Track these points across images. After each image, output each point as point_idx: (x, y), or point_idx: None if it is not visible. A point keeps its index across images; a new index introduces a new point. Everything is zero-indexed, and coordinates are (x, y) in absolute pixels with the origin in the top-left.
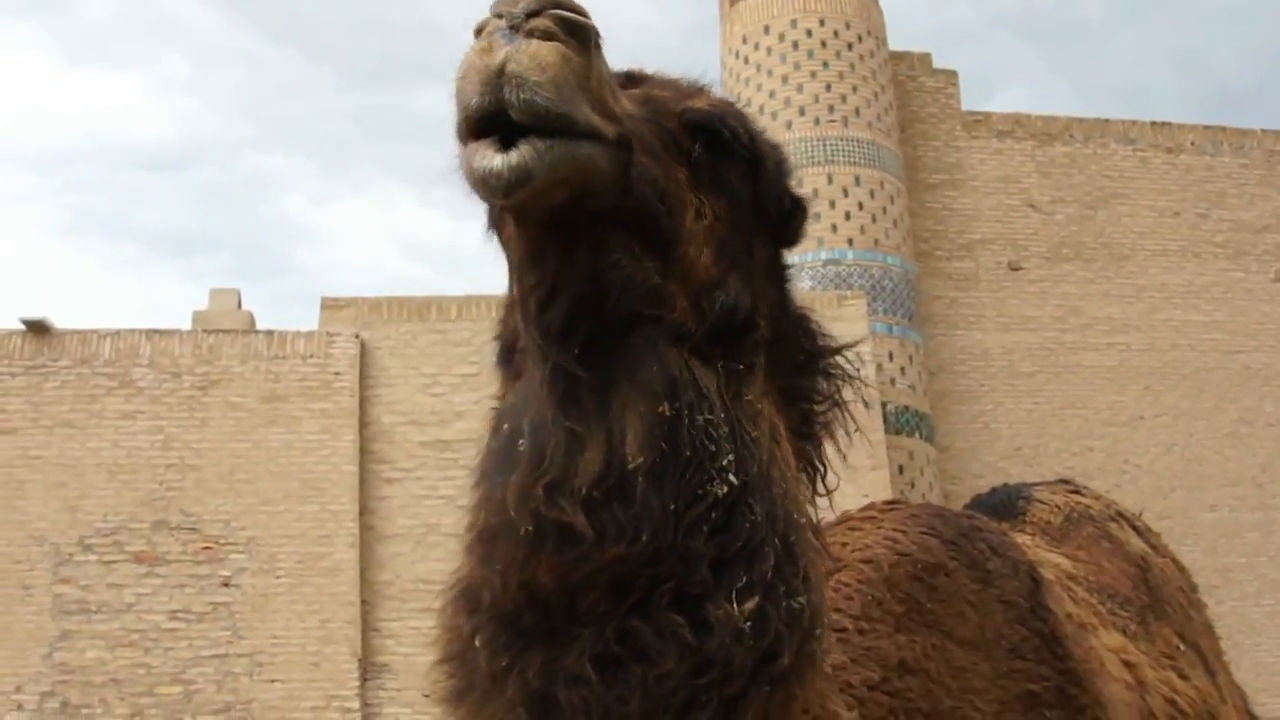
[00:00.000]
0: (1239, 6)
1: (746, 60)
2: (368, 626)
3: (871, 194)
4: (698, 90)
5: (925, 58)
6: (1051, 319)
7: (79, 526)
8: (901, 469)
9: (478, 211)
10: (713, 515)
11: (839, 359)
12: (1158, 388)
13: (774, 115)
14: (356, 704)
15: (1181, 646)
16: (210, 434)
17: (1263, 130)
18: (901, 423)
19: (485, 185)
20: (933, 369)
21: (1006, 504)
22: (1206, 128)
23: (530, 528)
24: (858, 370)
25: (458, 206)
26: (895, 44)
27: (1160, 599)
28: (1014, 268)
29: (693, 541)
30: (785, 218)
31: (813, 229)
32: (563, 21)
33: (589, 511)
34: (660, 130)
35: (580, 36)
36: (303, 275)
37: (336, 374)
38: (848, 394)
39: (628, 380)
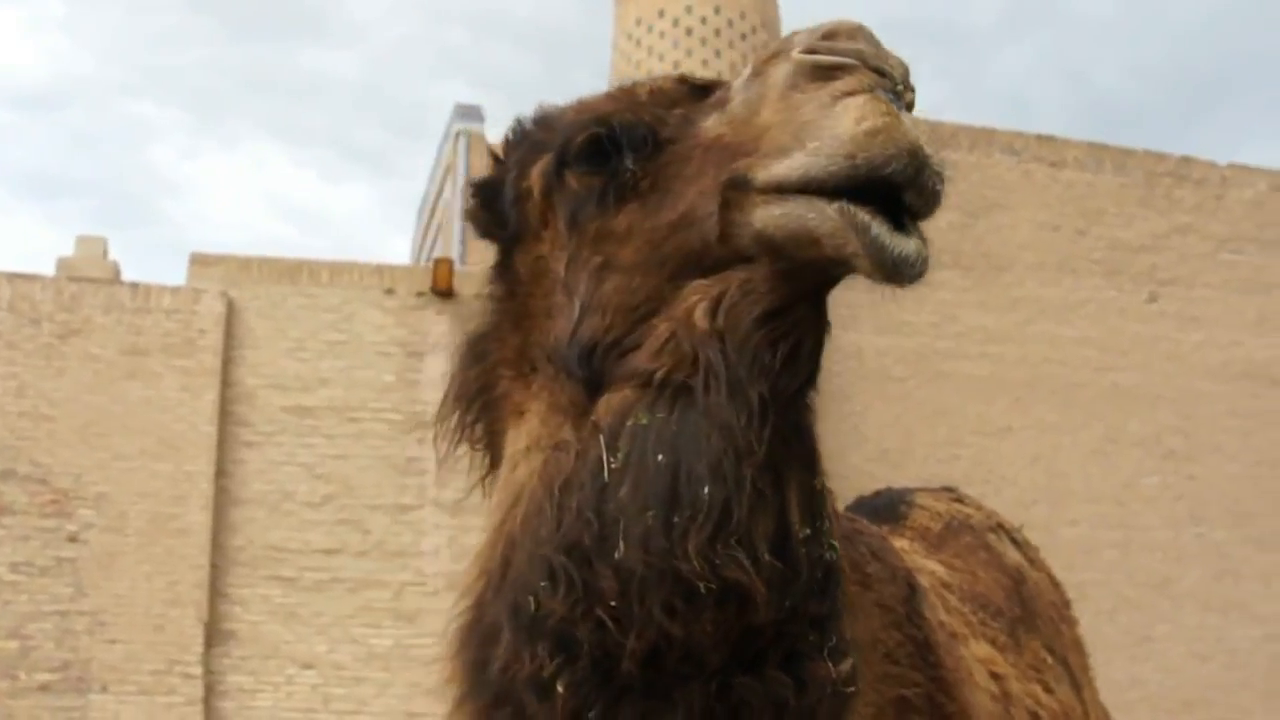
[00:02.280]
0: (1126, 26)
1: (639, 43)
2: (215, 592)
3: None
4: None
5: None
6: (927, 325)
7: None
8: None
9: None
10: (820, 577)
11: None
12: (1027, 400)
13: None
14: (199, 670)
15: (1049, 660)
16: (67, 384)
17: (1145, 151)
18: None
19: (899, 267)
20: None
21: (889, 508)
22: (1090, 145)
23: (712, 585)
24: None
25: (329, 168)
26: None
27: (1032, 612)
28: None
29: (809, 604)
30: None
31: None
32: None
33: (764, 576)
34: None
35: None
36: (169, 226)
37: (201, 331)
38: None
39: (795, 448)
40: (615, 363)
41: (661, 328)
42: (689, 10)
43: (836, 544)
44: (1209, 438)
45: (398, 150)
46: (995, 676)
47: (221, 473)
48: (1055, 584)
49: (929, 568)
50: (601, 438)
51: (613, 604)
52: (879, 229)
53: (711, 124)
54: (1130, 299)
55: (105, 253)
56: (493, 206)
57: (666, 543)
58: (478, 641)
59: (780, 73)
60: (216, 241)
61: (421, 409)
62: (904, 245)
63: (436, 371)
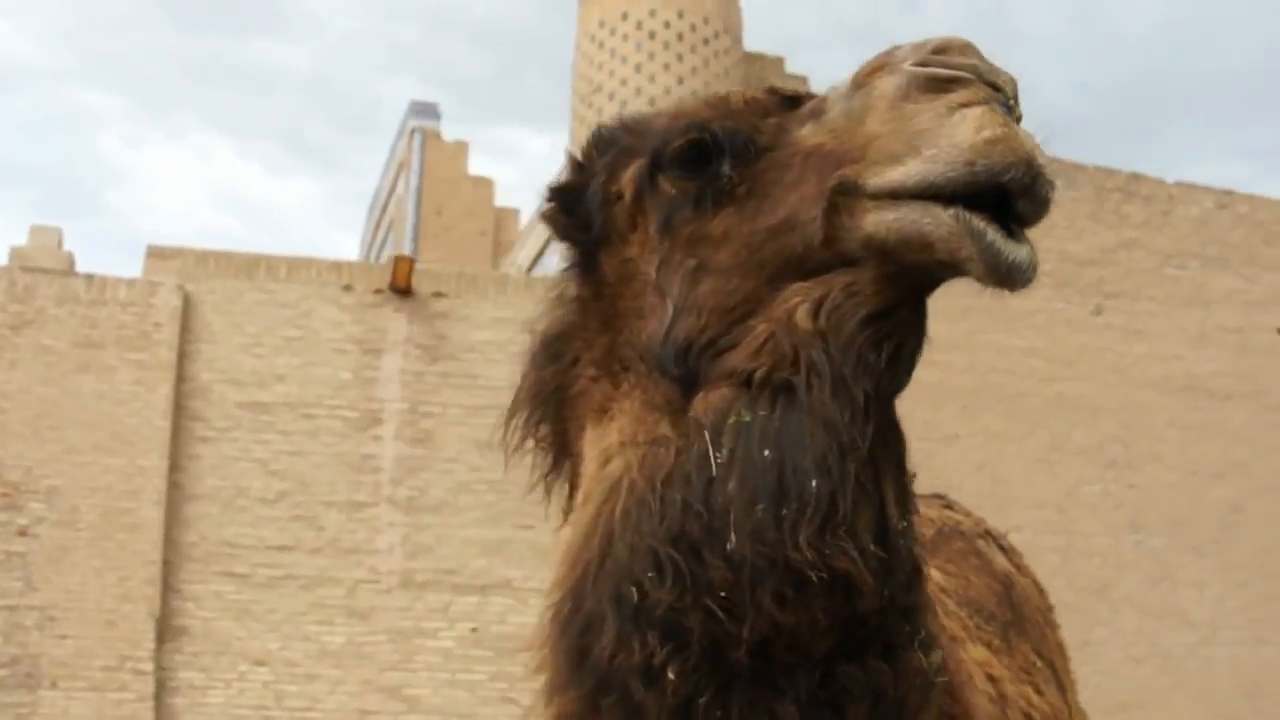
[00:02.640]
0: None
1: (602, 45)
2: (167, 587)
3: None
4: None
5: (778, 61)
6: None
7: None
8: None
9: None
10: (908, 568)
11: None
12: (974, 408)
13: (624, 104)
14: (150, 666)
15: (1038, 663)
16: (19, 376)
17: (1095, 167)
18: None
19: (1011, 273)
20: None
21: None
22: None
23: (824, 574)
24: None
25: (276, 162)
26: (750, 45)
27: (1021, 616)
28: None
29: (900, 595)
30: None
31: None
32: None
33: (869, 566)
34: None
35: None
36: (113, 216)
37: (156, 325)
38: None
39: (889, 445)
40: (710, 362)
41: (760, 328)
42: (653, 14)
43: (919, 535)
44: (1149, 448)
45: (346, 146)
46: (992, 679)
47: (175, 468)
48: (1040, 589)
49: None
50: (706, 433)
51: (723, 594)
52: (994, 235)
53: (809, 133)
54: (1077, 311)
55: (60, 243)
56: (574, 210)
57: (778, 534)
58: (577, 630)
59: (889, 84)
60: (161, 233)
61: (378, 406)
62: (1017, 252)
63: (393, 369)
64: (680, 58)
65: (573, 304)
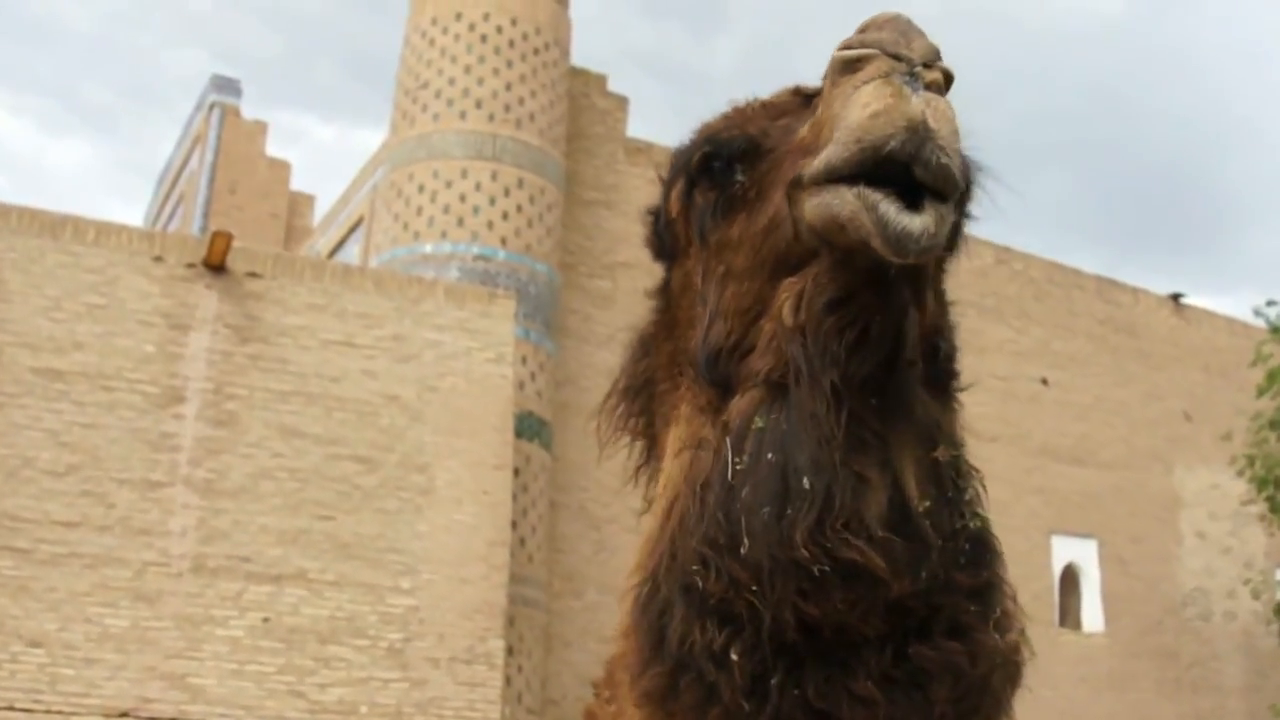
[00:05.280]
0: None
1: (433, 42)
2: None
3: (531, 199)
4: None
5: (601, 79)
6: None
7: None
8: (518, 472)
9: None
10: (967, 547)
11: None
12: None
13: (450, 102)
14: None
15: None
16: None
17: None
18: (524, 427)
19: (899, 243)
20: (560, 379)
21: None
22: None
23: (826, 567)
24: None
25: (50, 119)
26: (576, 60)
27: None
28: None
29: (956, 573)
30: (956, 250)
31: (470, 222)
32: (946, 76)
33: (881, 551)
34: None
35: (950, 90)
36: None
37: None
38: None
39: (904, 425)
40: (738, 365)
41: (767, 328)
42: (486, 17)
43: (982, 514)
44: None
45: (125, 112)
46: None
47: None
48: None
49: None
50: (729, 440)
51: (754, 588)
52: (887, 206)
53: (803, 129)
54: None
55: None
56: (656, 231)
57: (780, 535)
58: (655, 613)
59: (829, 71)
60: None
61: (181, 384)
62: (910, 222)
63: (200, 346)
64: (510, 64)
65: (654, 315)
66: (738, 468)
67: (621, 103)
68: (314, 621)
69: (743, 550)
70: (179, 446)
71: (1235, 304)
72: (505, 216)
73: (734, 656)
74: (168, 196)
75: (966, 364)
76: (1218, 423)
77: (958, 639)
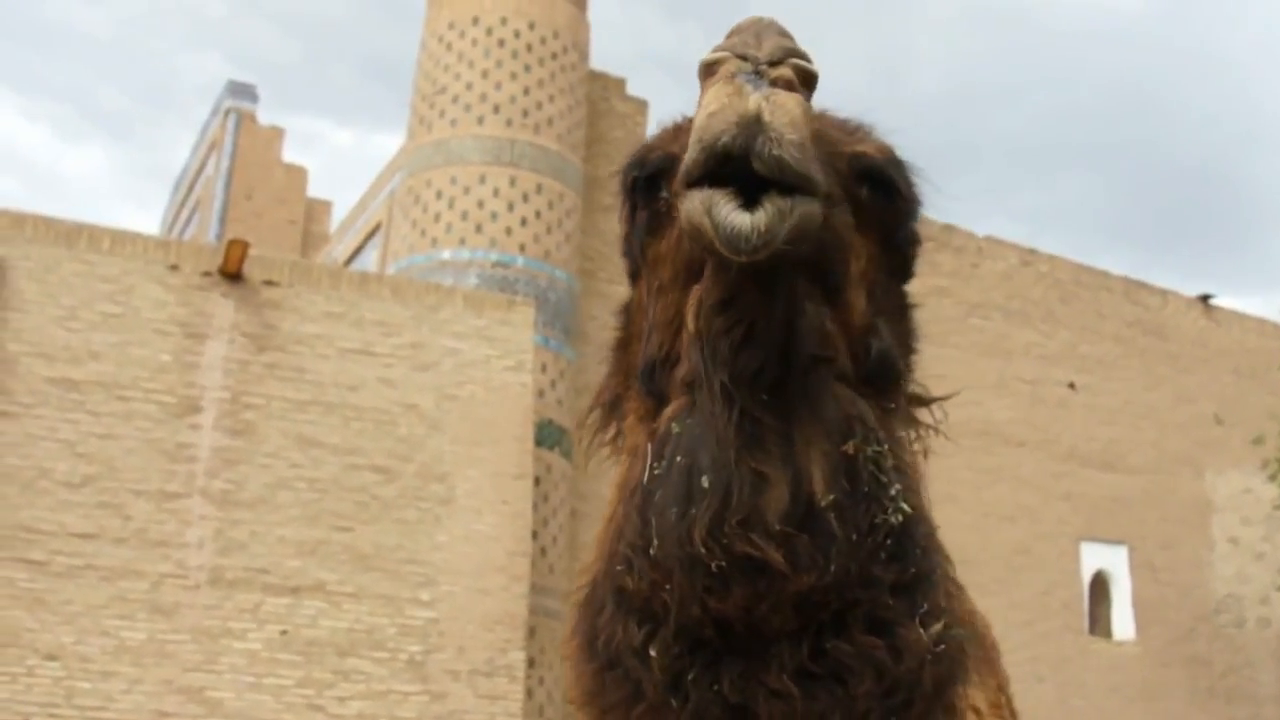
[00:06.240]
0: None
1: (450, 47)
2: None
3: (550, 204)
4: (864, 130)
5: (620, 82)
6: None
7: None
8: (538, 481)
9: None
10: (888, 542)
11: (926, 410)
12: None
13: (468, 108)
14: None
15: (1003, 699)
16: None
17: None
18: (544, 436)
19: (730, 242)
20: (580, 387)
21: None
22: None
23: (723, 563)
24: (939, 421)
25: (66, 126)
26: (595, 63)
27: (985, 651)
28: None
29: (874, 568)
30: (908, 253)
31: (488, 228)
32: (800, 72)
33: (780, 546)
34: (834, 172)
35: (811, 87)
36: None
37: None
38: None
39: (810, 420)
40: (668, 375)
41: (684, 336)
42: (504, 21)
43: (906, 508)
44: (945, 489)
45: (141, 117)
46: (976, 712)
47: None
48: (988, 624)
49: None
50: (650, 446)
51: (666, 586)
52: (722, 206)
53: None
54: None
55: None
56: (623, 251)
57: (682, 533)
58: (593, 613)
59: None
60: None
61: (197, 393)
62: (739, 220)
63: (216, 355)
64: (528, 68)
65: (619, 331)
66: (655, 472)
67: (641, 106)
68: (332, 634)
69: (652, 550)
70: (195, 457)
71: (1266, 304)
72: (524, 222)
73: (653, 653)
74: (184, 203)
75: (992, 367)
76: (1249, 425)
77: (878, 634)
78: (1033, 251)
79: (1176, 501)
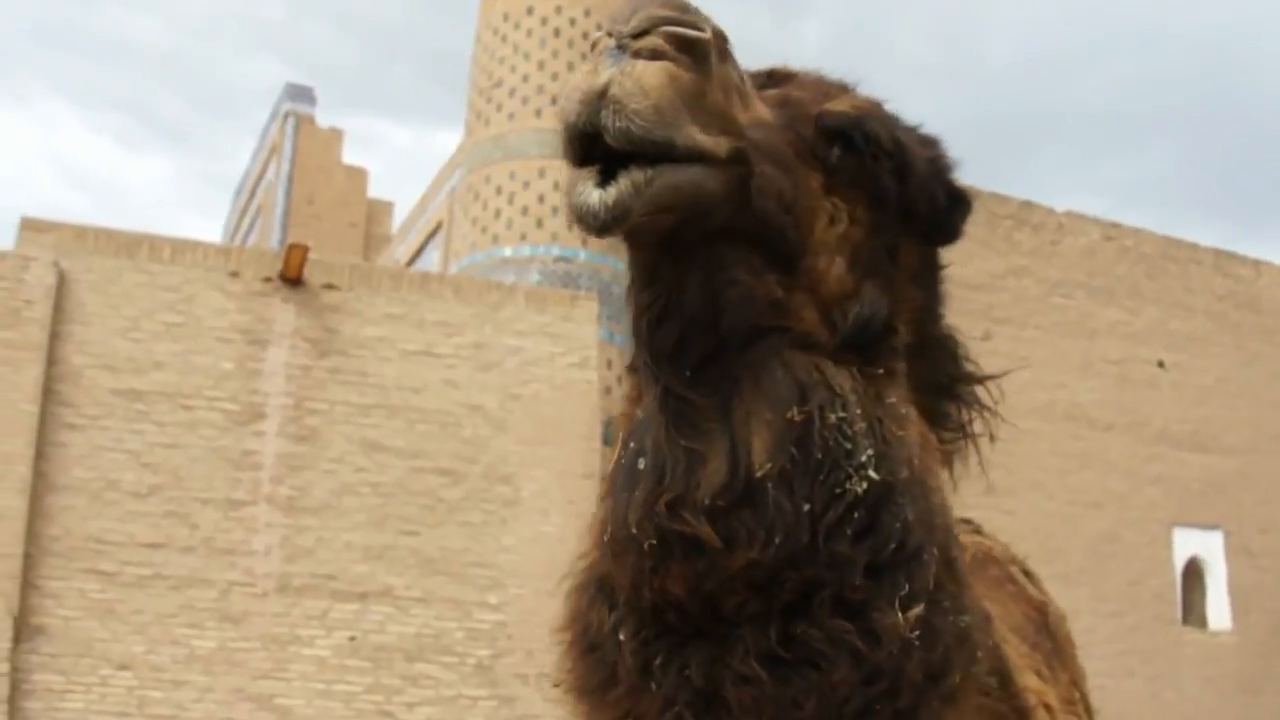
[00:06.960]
0: (947, 70)
1: (505, 39)
2: (27, 583)
3: None
4: (840, 90)
5: None
6: None
7: None
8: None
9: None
10: (855, 515)
11: (977, 388)
12: None
13: (525, 100)
14: (5, 667)
15: (1077, 694)
16: None
17: (990, 193)
18: (611, 434)
19: (583, 221)
20: None
21: None
22: None
23: (654, 542)
24: (996, 403)
25: (127, 136)
26: None
27: (1058, 645)
28: None
29: (837, 545)
30: (940, 213)
31: (549, 224)
32: (674, 39)
33: (714, 521)
34: (795, 135)
35: (697, 52)
36: None
37: (28, 302)
38: (978, 426)
39: (751, 391)
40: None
41: None
42: (559, 10)
43: (875, 475)
44: (1029, 475)
45: (201, 125)
46: (1048, 709)
47: (40, 456)
48: (1062, 615)
49: None
50: (622, 434)
51: (627, 575)
52: (581, 184)
53: None
54: (966, 336)
55: None
56: None
57: (624, 514)
58: (577, 599)
59: None
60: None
61: (261, 400)
62: (590, 196)
63: (279, 361)
64: (584, 57)
65: None
66: (620, 459)
67: None
68: (400, 639)
69: (608, 534)
70: (260, 464)
71: None
72: None
73: (622, 637)
74: (245, 209)
75: (1076, 348)
76: None
77: (848, 618)
78: (1116, 225)
79: (1274, 483)
